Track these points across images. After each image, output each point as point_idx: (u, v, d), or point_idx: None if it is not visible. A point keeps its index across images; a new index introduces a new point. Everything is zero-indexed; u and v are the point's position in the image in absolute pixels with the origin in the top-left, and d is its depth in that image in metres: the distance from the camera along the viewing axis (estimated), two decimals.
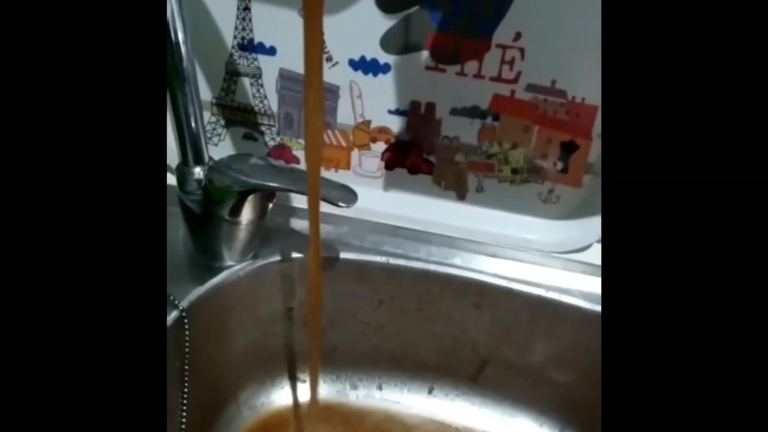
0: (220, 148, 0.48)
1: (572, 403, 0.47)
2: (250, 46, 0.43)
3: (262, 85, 0.45)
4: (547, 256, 0.46)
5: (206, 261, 0.42)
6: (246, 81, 0.45)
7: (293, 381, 0.49)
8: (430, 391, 0.50)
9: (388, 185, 0.48)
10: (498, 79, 0.42)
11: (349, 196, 0.35)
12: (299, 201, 0.47)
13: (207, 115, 0.47)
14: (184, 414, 0.40)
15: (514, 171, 0.46)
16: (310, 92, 0.30)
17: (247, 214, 0.39)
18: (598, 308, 0.43)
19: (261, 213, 0.40)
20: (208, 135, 0.47)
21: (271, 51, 0.43)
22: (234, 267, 0.42)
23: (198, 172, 0.38)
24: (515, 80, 0.42)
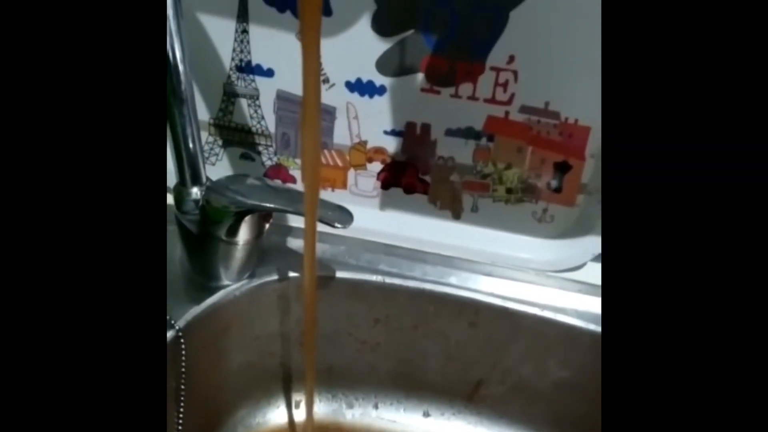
0: (218, 167, 0.48)
1: (569, 422, 0.47)
2: (248, 68, 0.44)
3: (259, 106, 0.45)
4: (542, 275, 0.47)
5: (203, 280, 0.42)
6: (244, 102, 0.45)
7: (289, 400, 0.49)
8: (426, 411, 0.50)
9: (384, 204, 0.48)
10: (492, 100, 0.43)
11: (345, 217, 0.35)
12: (296, 221, 0.47)
13: (204, 136, 0.47)
14: None
15: (509, 191, 0.46)
16: (308, 115, 0.31)
17: (244, 234, 0.39)
18: (593, 327, 0.44)
19: (258, 233, 0.40)
20: (206, 155, 0.48)
21: (269, 73, 0.44)
22: (230, 286, 0.42)
23: (195, 192, 0.38)
24: (509, 102, 0.43)
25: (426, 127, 0.45)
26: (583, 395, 0.45)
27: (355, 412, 0.50)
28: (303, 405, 0.49)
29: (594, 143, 0.44)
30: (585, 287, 0.46)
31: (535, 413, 0.48)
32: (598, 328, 0.44)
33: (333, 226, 0.35)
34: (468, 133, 0.44)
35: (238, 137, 0.47)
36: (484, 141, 0.45)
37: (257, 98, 0.45)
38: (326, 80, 0.43)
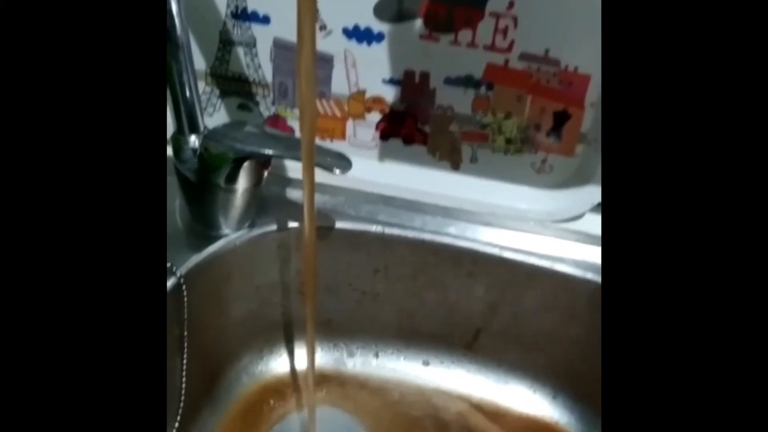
0: (215, 118, 0.48)
1: (566, 370, 0.48)
2: (243, 15, 0.43)
3: (256, 55, 0.45)
4: (540, 225, 0.47)
5: (203, 229, 0.42)
6: (240, 50, 0.45)
7: (291, 349, 0.50)
8: (425, 359, 0.51)
9: (383, 155, 0.48)
10: (491, 48, 0.42)
11: (343, 163, 0.35)
12: (294, 171, 0.47)
13: (201, 85, 0.47)
14: (184, 380, 0.40)
15: (508, 141, 0.46)
16: (304, 62, 0.30)
17: (242, 181, 0.39)
18: (591, 276, 0.44)
19: (257, 180, 0.40)
20: (203, 105, 0.48)
21: (265, 20, 0.43)
22: (231, 236, 0.42)
23: (193, 140, 0.38)
24: (509, 49, 0.42)
25: (425, 76, 0.44)
26: (580, 344, 0.46)
27: (356, 361, 0.51)
28: (303, 354, 0.50)
29: (594, 92, 0.43)
30: (583, 237, 0.46)
31: (532, 361, 0.49)
32: (596, 278, 0.44)
33: (331, 172, 0.35)
34: (467, 82, 0.44)
35: (235, 87, 0.47)
36: (483, 90, 0.44)
37: (254, 46, 0.45)
38: (323, 27, 0.43)
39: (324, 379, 0.50)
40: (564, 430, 0.49)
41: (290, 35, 0.44)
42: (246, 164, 0.38)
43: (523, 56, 0.43)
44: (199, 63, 0.45)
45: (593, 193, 0.46)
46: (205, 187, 0.39)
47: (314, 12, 0.31)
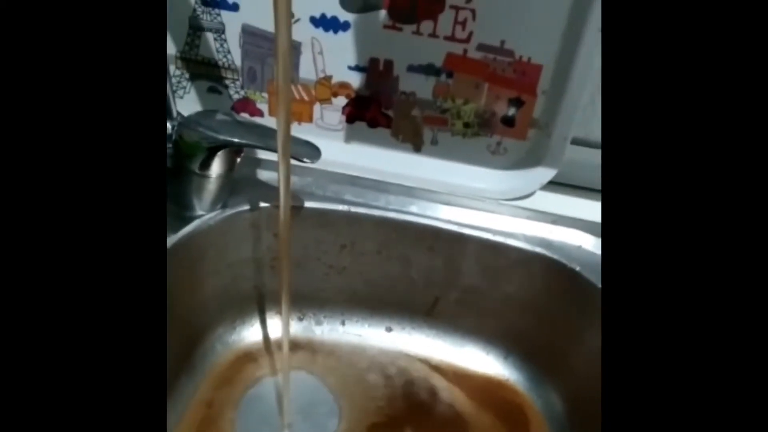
0: (186, 101, 0.49)
1: (516, 334, 0.52)
2: (212, 2, 0.44)
3: (225, 40, 0.46)
4: (495, 204, 0.50)
5: (178, 211, 0.44)
6: (210, 36, 0.46)
7: (263, 319, 0.53)
8: (388, 326, 0.55)
9: (349, 138, 0.51)
10: (451, 38, 0.45)
11: (313, 152, 0.38)
12: (266, 153, 0.49)
13: (171, 69, 0.48)
14: None
15: (466, 125, 0.49)
16: (281, 52, 0.31)
17: (216, 168, 0.41)
18: (540, 250, 0.48)
19: (230, 167, 0.42)
20: (174, 88, 0.49)
21: (234, 7, 0.45)
22: (205, 216, 0.44)
23: (168, 127, 0.40)
24: (467, 40, 0.45)
25: (389, 63, 0.47)
26: (530, 310, 0.51)
27: (324, 329, 0.54)
28: (274, 324, 0.53)
29: (545, 80, 0.46)
30: (534, 214, 0.50)
31: (486, 326, 0.53)
32: (545, 252, 0.48)
33: (302, 161, 0.38)
34: (429, 70, 0.47)
35: (204, 71, 0.48)
36: (443, 77, 0.47)
37: (223, 32, 0.46)
38: (291, 15, 0.44)
39: (294, 346, 0.53)
40: (514, 387, 0.53)
41: (258, 22, 0.45)
42: (220, 152, 0.40)
43: (481, 47, 0.45)
44: (169, 47, 0.46)
45: (544, 174, 0.49)
46: (179, 172, 0.41)
47: (290, 4, 0.32)
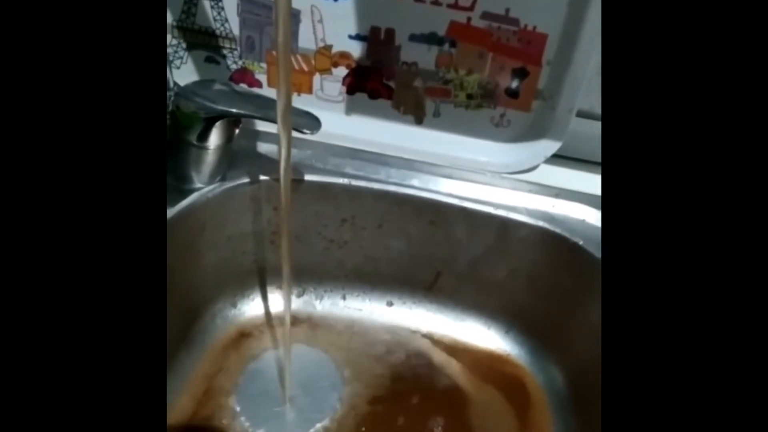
0: (183, 71, 0.48)
1: (517, 308, 0.52)
2: None
3: (222, 8, 0.45)
4: (498, 177, 0.50)
5: (176, 183, 0.43)
6: (206, 4, 0.45)
7: (264, 293, 0.53)
8: (389, 301, 0.55)
9: (349, 109, 0.50)
10: (455, 6, 0.44)
11: (313, 123, 0.37)
12: (265, 125, 0.48)
13: (168, 38, 0.47)
14: None
15: (469, 96, 0.48)
16: (282, 23, 0.31)
17: (214, 139, 0.40)
18: (542, 224, 0.48)
19: (228, 138, 0.41)
20: (170, 58, 0.48)
21: None
22: (204, 189, 0.44)
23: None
24: (471, 8, 0.44)
25: (390, 32, 0.45)
26: (531, 285, 0.50)
27: (325, 303, 0.54)
28: (275, 298, 0.53)
29: (550, 50, 0.45)
30: (536, 187, 0.50)
31: (487, 301, 0.53)
32: (548, 226, 0.48)
33: (302, 132, 0.37)
34: (431, 39, 0.45)
35: (201, 40, 0.47)
36: (446, 47, 0.46)
37: (220, 0, 0.44)
38: None
39: (295, 320, 0.53)
40: (515, 361, 0.53)
41: None
42: (218, 123, 0.39)
43: (485, 15, 0.44)
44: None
45: (547, 146, 0.49)
46: (177, 144, 0.40)
47: None
